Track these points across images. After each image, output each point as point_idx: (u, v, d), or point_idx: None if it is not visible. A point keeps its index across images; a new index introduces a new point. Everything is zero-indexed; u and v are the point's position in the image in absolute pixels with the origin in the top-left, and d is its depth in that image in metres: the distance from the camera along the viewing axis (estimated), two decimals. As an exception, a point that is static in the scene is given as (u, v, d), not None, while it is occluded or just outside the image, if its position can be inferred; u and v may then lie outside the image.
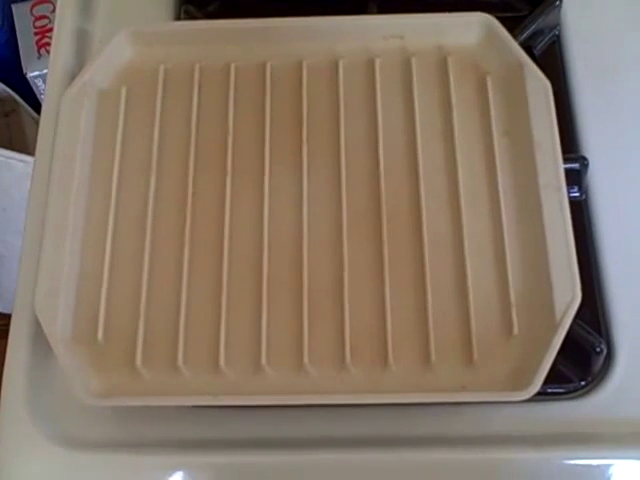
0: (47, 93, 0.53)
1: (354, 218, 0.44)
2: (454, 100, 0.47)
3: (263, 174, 0.46)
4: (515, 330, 0.42)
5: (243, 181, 0.46)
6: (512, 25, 0.49)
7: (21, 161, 0.88)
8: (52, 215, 0.44)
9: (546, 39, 0.52)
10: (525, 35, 0.50)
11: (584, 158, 0.47)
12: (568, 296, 0.41)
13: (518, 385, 0.39)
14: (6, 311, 1.00)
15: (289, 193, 0.45)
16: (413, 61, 0.48)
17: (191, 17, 0.53)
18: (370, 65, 0.48)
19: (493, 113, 0.46)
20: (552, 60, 0.52)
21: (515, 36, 0.49)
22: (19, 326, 0.46)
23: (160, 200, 0.46)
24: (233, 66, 0.49)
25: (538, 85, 0.46)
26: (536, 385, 0.39)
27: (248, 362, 0.42)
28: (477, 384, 0.41)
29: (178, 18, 0.55)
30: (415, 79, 0.48)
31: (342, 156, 0.46)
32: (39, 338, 0.44)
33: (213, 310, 0.43)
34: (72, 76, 0.52)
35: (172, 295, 0.43)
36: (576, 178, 0.47)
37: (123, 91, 0.48)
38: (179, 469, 0.43)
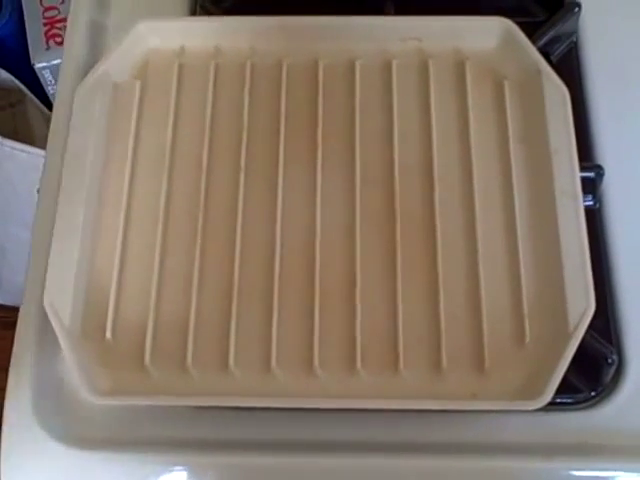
0: (60, 85, 0.52)
1: (367, 220, 0.44)
2: (471, 104, 0.47)
3: (277, 173, 0.45)
4: (527, 339, 0.41)
5: (256, 179, 0.45)
6: (530, 31, 0.49)
7: (26, 152, 0.87)
8: (63, 210, 0.44)
9: (563, 45, 0.52)
10: (543, 41, 0.50)
11: (599, 167, 0.47)
12: (582, 306, 0.41)
13: (529, 394, 0.39)
14: (7, 303, 0.99)
15: (303, 193, 0.45)
16: (430, 64, 0.48)
17: (207, 12, 0.53)
18: (387, 67, 0.48)
19: (510, 119, 0.46)
20: (569, 67, 0.51)
21: (533, 42, 0.48)
22: (27, 323, 0.45)
23: (172, 196, 0.45)
24: (249, 63, 0.48)
25: (556, 92, 0.45)
26: (548, 395, 0.39)
27: (258, 364, 0.41)
28: (488, 392, 0.40)
29: (194, 13, 0.54)
30: (432, 82, 0.48)
31: (357, 157, 0.46)
32: (46, 335, 0.43)
33: (223, 310, 0.42)
34: (85, 68, 0.52)
35: (182, 293, 0.43)
36: (591, 187, 0.47)
37: (138, 85, 0.48)
38: (184, 469, 0.43)
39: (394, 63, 0.48)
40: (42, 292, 0.42)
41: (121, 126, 0.47)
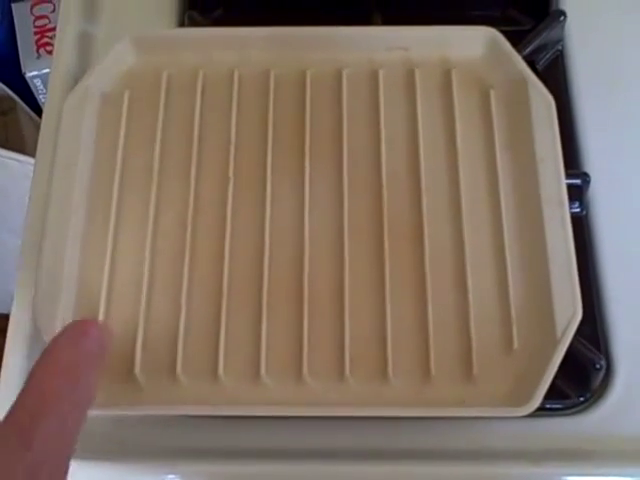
0: (49, 96, 0.52)
1: (355, 229, 0.44)
2: (457, 112, 0.47)
3: (265, 182, 0.45)
4: (515, 345, 0.41)
5: (245, 189, 0.46)
6: (516, 39, 0.49)
7: (17, 160, 0.87)
8: (52, 220, 0.44)
9: (549, 54, 0.52)
10: (529, 50, 0.50)
11: (586, 174, 0.47)
12: (569, 312, 0.41)
13: (518, 401, 0.39)
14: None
15: (291, 203, 0.45)
16: (417, 73, 0.48)
17: (195, 23, 0.53)
18: (374, 76, 0.48)
19: (496, 126, 0.46)
20: (555, 75, 0.52)
21: (519, 51, 0.49)
22: (17, 332, 0.45)
23: (161, 208, 0.45)
24: (236, 74, 0.48)
25: (542, 100, 0.46)
26: (536, 401, 0.39)
27: (247, 372, 0.41)
28: (477, 399, 0.40)
29: (182, 24, 0.54)
30: (418, 91, 0.48)
31: (344, 166, 0.46)
32: (37, 344, 0.43)
33: (213, 319, 0.42)
34: (74, 79, 0.52)
35: (172, 303, 0.43)
36: (577, 194, 0.47)
37: (125, 97, 0.48)
38: (175, 477, 0.43)
39: (381, 72, 0.48)
40: (32, 303, 0.42)
41: (109, 138, 0.47)
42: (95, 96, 0.47)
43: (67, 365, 0.34)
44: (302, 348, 0.42)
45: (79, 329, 0.36)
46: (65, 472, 0.32)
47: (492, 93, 0.47)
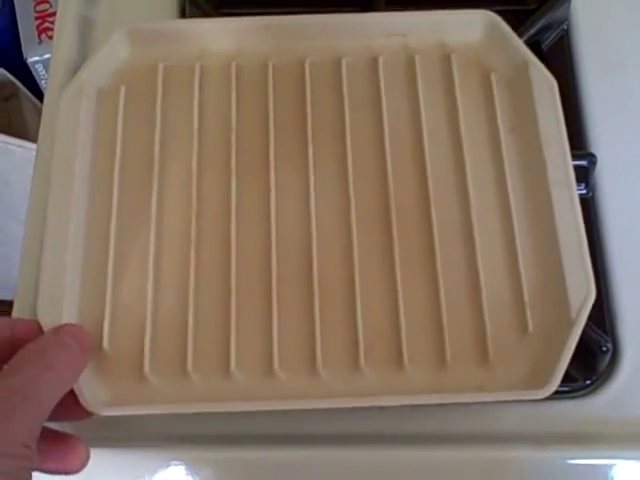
0: (49, 82, 0.51)
1: (363, 216, 0.44)
2: (459, 97, 0.46)
3: (268, 173, 0.45)
4: (530, 328, 0.41)
5: (248, 181, 0.45)
6: (521, 19, 0.49)
7: (20, 147, 0.87)
8: (53, 220, 0.43)
9: (554, 34, 0.52)
10: (534, 29, 0.50)
11: (592, 155, 0.47)
12: (582, 293, 0.41)
13: (535, 384, 0.39)
14: (4, 297, 0.99)
15: (296, 192, 0.45)
16: (417, 59, 0.48)
17: (196, 6, 0.52)
18: (373, 63, 0.48)
19: (499, 110, 0.46)
20: (560, 55, 0.51)
21: (523, 31, 0.48)
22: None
23: (163, 202, 0.45)
24: (234, 64, 0.48)
25: (544, 82, 0.45)
26: (554, 383, 0.38)
27: (260, 366, 0.41)
28: (494, 383, 0.40)
29: (183, 7, 0.54)
30: (419, 76, 0.47)
31: (348, 154, 0.45)
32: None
33: (222, 313, 0.42)
34: (75, 66, 0.51)
35: (179, 298, 0.42)
36: (583, 175, 0.47)
37: (122, 90, 0.47)
38: (180, 464, 0.42)
39: (380, 59, 0.48)
40: (35, 291, 0.41)
41: (108, 133, 0.46)
42: (91, 91, 0.47)
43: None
44: (315, 340, 0.41)
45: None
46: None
47: (493, 76, 0.47)
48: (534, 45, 0.47)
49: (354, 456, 0.42)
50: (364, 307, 0.42)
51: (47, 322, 0.40)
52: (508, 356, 0.41)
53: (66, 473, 0.37)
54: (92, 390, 0.40)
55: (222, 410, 0.40)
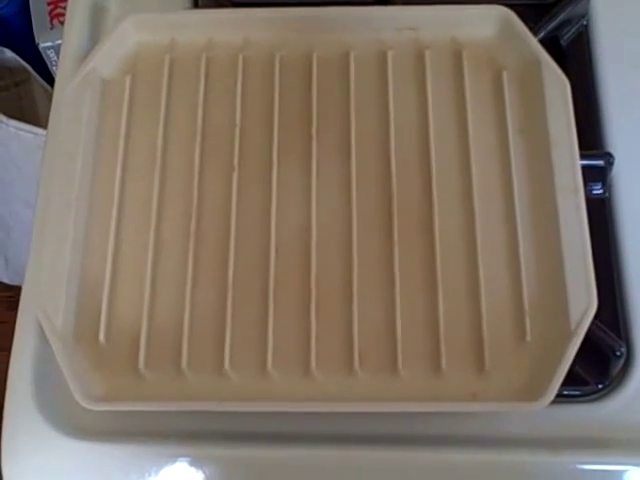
0: (59, 71, 0.51)
1: (364, 218, 0.43)
2: (468, 95, 0.46)
3: (271, 169, 0.44)
4: (528, 337, 0.41)
5: (250, 176, 0.45)
6: (540, 14, 0.48)
7: (30, 132, 0.87)
8: (54, 212, 0.43)
9: (573, 29, 0.50)
10: (552, 25, 0.48)
11: (609, 154, 0.46)
12: (584, 303, 0.40)
13: (531, 395, 0.39)
14: (13, 282, 1.00)
15: (297, 189, 0.44)
16: (427, 54, 0.47)
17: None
18: (382, 57, 0.47)
19: (509, 109, 0.45)
20: (579, 51, 0.50)
21: (542, 25, 0.47)
22: (27, 311, 0.45)
23: (165, 196, 0.44)
24: (241, 56, 0.47)
25: (556, 82, 0.44)
26: (549, 396, 0.38)
27: (254, 366, 0.41)
28: (488, 392, 0.40)
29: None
30: (429, 72, 0.46)
31: (352, 151, 0.45)
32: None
33: (218, 312, 0.42)
34: (85, 53, 0.51)
35: (176, 296, 0.42)
36: (600, 175, 0.46)
37: (127, 81, 0.47)
38: (183, 460, 0.42)
39: (389, 54, 0.47)
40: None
41: (112, 124, 0.46)
42: (96, 81, 0.46)
43: None
44: (310, 341, 0.41)
45: None
46: None
47: (505, 75, 0.46)
48: (553, 40, 0.46)
49: (354, 456, 0.42)
50: (361, 311, 0.41)
51: (45, 315, 0.40)
52: (504, 365, 0.40)
53: None
54: (86, 384, 0.40)
55: (213, 410, 0.40)
